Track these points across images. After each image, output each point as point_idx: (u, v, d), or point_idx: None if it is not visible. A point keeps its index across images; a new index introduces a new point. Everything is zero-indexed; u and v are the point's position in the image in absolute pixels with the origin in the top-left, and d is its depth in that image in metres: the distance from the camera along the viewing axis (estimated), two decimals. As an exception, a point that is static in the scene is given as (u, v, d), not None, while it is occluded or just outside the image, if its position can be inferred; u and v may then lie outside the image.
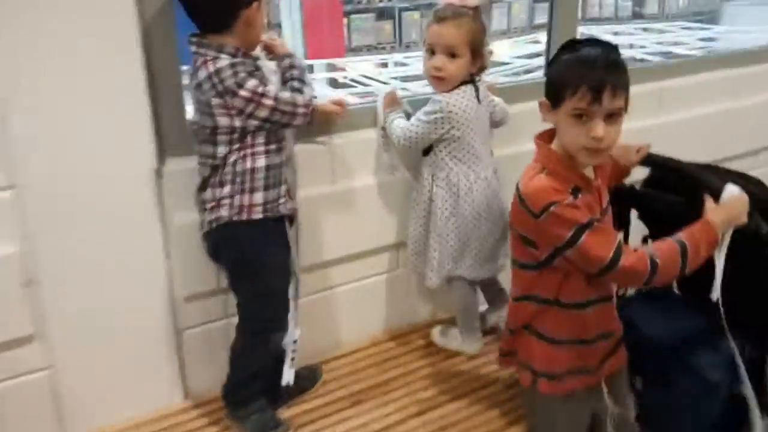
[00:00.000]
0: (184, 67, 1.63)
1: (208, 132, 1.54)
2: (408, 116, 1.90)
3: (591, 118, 1.25)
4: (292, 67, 1.67)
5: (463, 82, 1.81)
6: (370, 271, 2.04)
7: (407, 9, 6.16)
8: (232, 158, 1.54)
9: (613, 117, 1.26)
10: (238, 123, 1.51)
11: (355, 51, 5.96)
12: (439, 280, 1.91)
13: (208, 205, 1.58)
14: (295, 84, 1.63)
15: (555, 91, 1.29)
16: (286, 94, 1.56)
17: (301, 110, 1.58)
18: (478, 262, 1.89)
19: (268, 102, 1.51)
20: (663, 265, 1.27)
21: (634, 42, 6.30)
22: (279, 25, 5.77)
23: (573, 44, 1.34)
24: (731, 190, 1.38)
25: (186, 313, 1.77)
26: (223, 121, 1.51)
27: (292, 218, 1.69)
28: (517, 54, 5.62)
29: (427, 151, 1.88)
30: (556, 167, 1.31)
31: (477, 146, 1.84)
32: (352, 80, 5.29)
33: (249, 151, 1.55)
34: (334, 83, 5.46)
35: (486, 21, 1.83)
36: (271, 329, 1.67)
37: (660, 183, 1.63)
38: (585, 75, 1.24)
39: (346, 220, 1.94)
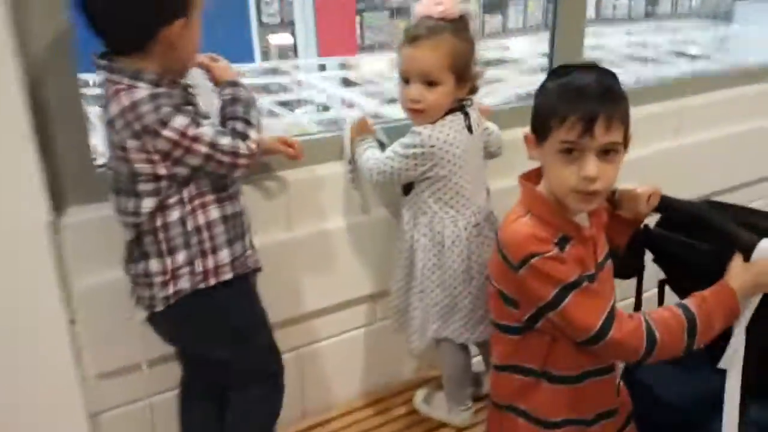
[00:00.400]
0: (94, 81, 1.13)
1: (126, 180, 1.06)
2: (382, 146, 1.38)
3: (582, 153, 1.00)
4: (235, 100, 1.15)
5: (450, 110, 1.29)
6: (343, 327, 1.54)
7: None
8: (173, 215, 1.07)
9: (608, 154, 1.01)
10: (162, 170, 1.04)
11: (367, 49, 5.45)
12: (422, 345, 1.41)
13: (156, 279, 1.09)
14: (238, 126, 1.12)
15: (541, 122, 1.04)
16: (225, 140, 1.07)
17: (242, 161, 1.10)
18: (469, 324, 1.38)
19: (201, 148, 1.04)
20: (663, 340, 1.01)
21: (646, 41, 5.79)
22: (292, 23, 5.30)
23: (564, 69, 1.07)
24: (766, 248, 1.06)
25: (101, 392, 1.29)
26: (142, 168, 1.03)
27: (257, 270, 1.23)
28: (534, 51, 5.22)
29: (407, 189, 1.36)
30: (541, 212, 1.05)
31: (467, 186, 1.32)
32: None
33: (195, 203, 1.08)
34: (345, 82, 5.06)
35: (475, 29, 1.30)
36: (281, 383, 1.26)
37: (678, 223, 1.26)
38: (575, 103, 0.99)
39: (310, 270, 1.43)
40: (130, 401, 1.32)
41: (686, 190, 1.64)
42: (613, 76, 1.06)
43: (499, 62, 5.83)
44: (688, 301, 1.05)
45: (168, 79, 1.05)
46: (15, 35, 1.06)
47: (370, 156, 1.35)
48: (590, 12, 6.08)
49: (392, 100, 4.06)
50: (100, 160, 1.20)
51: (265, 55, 5.54)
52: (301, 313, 1.46)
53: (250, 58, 4.96)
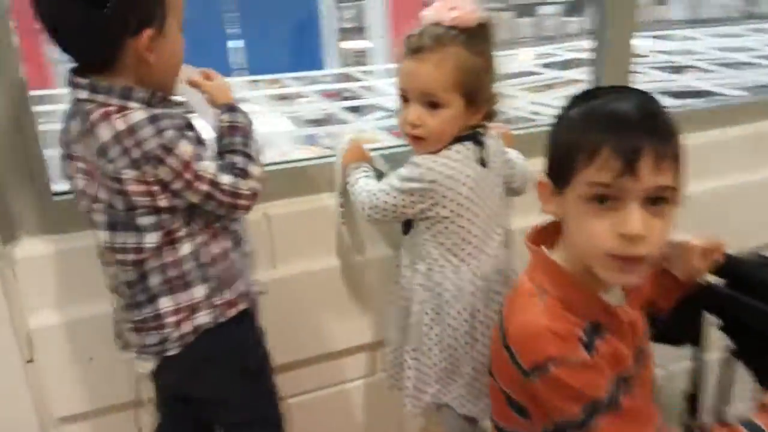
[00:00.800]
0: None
1: (123, 214, 0.88)
2: (380, 175, 1.13)
3: (621, 201, 0.70)
4: (234, 128, 0.94)
5: (460, 137, 1.02)
6: (337, 378, 1.31)
7: (496, 9, 5.28)
8: (183, 249, 0.90)
9: (657, 204, 0.71)
10: (163, 202, 0.86)
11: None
12: (417, 410, 1.15)
13: (169, 320, 0.92)
14: (238, 161, 0.91)
15: (561, 161, 0.75)
16: (226, 178, 0.88)
17: (243, 202, 0.90)
18: (472, 394, 1.10)
19: (203, 186, 0.87)
20: None
21: (741, 44, 5.13)
22: (363, 29, 5.13)
23: (591, 93, 0.79)
24: None
25: (67, 436, 1.14)
26: (141, 200, 0.86)
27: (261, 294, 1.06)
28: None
29: (407, 227, 1.11)
30: (560, 291, 0.76)
31: (475, 230, 1.04)
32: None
33: (207, 233, 0.92)
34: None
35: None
36: (283, 425, 1.08)
37: (751, 282, 0.93)
38: (610, 132, 0.70)
39: (297, 315, 1.22)
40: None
41: (761, 235, 1.27)
42: (657, 102, 0.75)
43: (577, 64, 5.38)
44: (757, 415, 0.76)
45: (159, 96, 0.86)
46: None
47: (363, 187, 1.10)
48: (680, 12, 5.45)
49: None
50: (58, 187, 1.05)
51: (342, 60, 5.41)
52: (288, 361, 1.23)
53: (318, 65, 4.83)
